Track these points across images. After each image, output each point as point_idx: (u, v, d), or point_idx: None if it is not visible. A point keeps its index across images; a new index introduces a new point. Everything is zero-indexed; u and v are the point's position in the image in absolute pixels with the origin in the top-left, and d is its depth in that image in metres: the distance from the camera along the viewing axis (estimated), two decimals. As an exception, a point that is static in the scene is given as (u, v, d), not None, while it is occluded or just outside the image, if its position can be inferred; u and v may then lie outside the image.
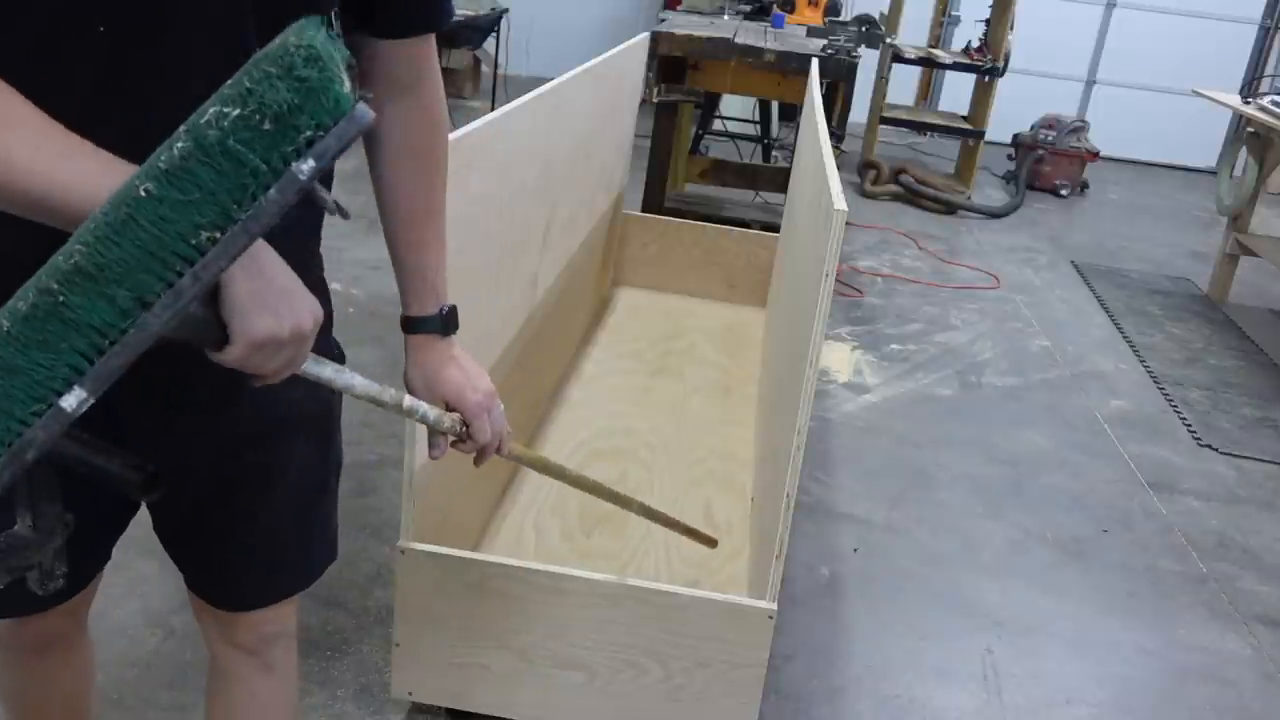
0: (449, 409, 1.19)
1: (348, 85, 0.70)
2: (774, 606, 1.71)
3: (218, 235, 0.69)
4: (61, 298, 0.68)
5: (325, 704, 1.92)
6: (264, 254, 0.82)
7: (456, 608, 1.77)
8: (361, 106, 0.70)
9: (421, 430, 1.71)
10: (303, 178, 0.70)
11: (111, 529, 1.18)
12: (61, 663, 1.32)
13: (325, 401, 1.22)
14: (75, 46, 0.85)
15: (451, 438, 1.19)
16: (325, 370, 1.00)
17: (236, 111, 0.67)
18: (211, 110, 0.68)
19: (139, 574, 2.14)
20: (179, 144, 0.68)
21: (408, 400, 1.10)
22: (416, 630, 1.80)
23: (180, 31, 0.89)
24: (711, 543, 2.02)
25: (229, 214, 0.69)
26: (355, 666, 2.01)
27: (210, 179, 0.68)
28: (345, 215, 0.78)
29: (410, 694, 1.86)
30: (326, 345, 1.21)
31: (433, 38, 1.13)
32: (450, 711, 1.89)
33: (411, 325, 1.22)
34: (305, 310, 0.87)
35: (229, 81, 0.69)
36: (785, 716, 2.05)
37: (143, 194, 0.68)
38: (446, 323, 1.21)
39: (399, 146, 1.14)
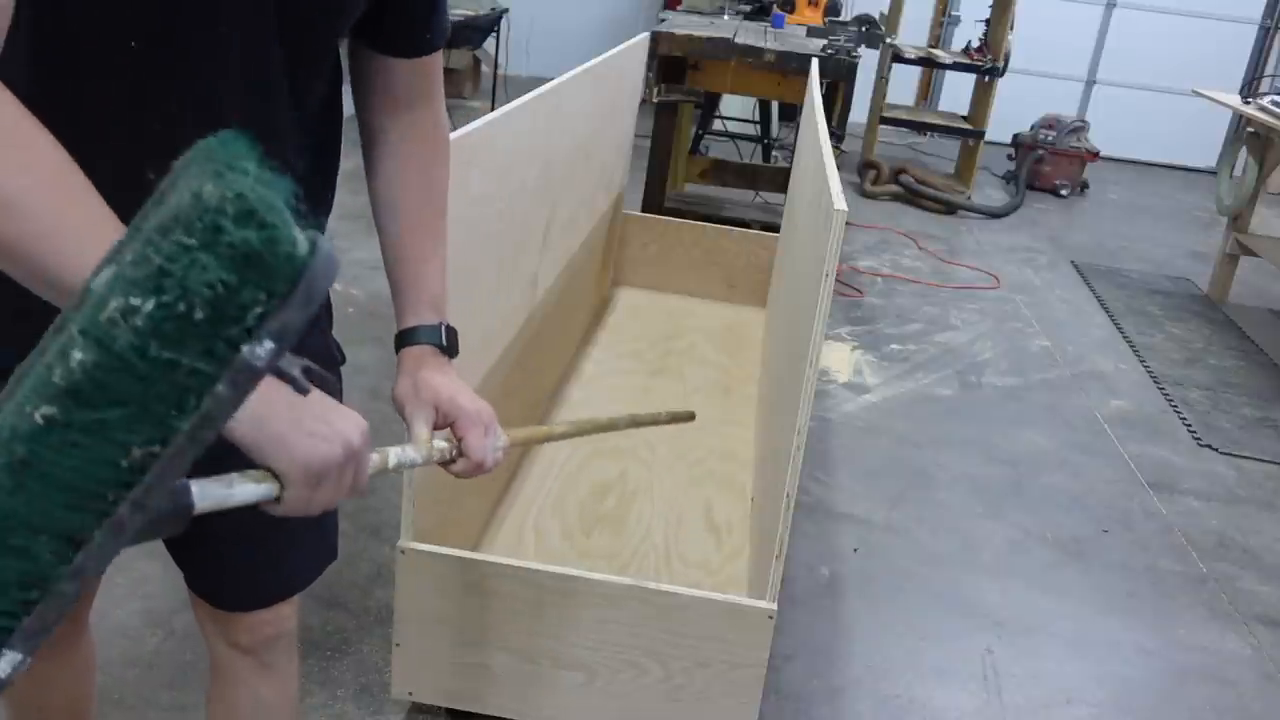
0: (439, 421, 1.06)
1: (298, 234, 0.52)
2: (774, 606, 1.71)
3: (156, 450, 0.53)
4: None
5: (325, 704, 1.92)
6: (268, 387, 0.64)
7: (456, 608, 1.77)
8: (323, 255, 0.53)
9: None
10: (260, 364, 0.53)
11: None
12: (62, 663, 1.32)
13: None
14: (108, 62, 0.86)
15: (438, 459, 1.03)
16: (375, 460, 0.86)
17: (150, 304, 0.50)
18: (112, 304, 0.50)
19: (140, 574, 2.14)
20: (75, 352, 0.51)
21: (392, 458, 0.91)
22: (416, 630, 1.80)
23: (209, 44, 0.90)
24: (689, 417, 2.00)
25: (167, 425, 0.53)
26: (355, 666, 2.01)
27: (132, 390, 0.51)
28: (319, 382, 0.64)
29: (410, 694, 1.86)
30: (325, 345, 1.21)
31: (438, 54, 1.12)
32: (450, 711, 1.90)
33: (408, 337, 1.10)
34: (349, 421, 0.80)
35: (123, 249, 0.53)
36: (785, 716, 2.05)
37: (39, 421, 0.51)
38: (448, 337, 1.11)
39: (401, 161, 1.12)
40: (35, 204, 0.69)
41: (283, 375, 0.58)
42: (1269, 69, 7.91)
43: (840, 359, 3.83)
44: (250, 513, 1.17)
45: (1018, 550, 2.74)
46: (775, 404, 2.25)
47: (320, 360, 1.19)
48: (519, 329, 2.32)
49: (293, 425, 0.75)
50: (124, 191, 0.71)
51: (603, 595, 1.74)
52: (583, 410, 2.88)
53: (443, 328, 1.11)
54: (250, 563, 1.20)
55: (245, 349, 0.52)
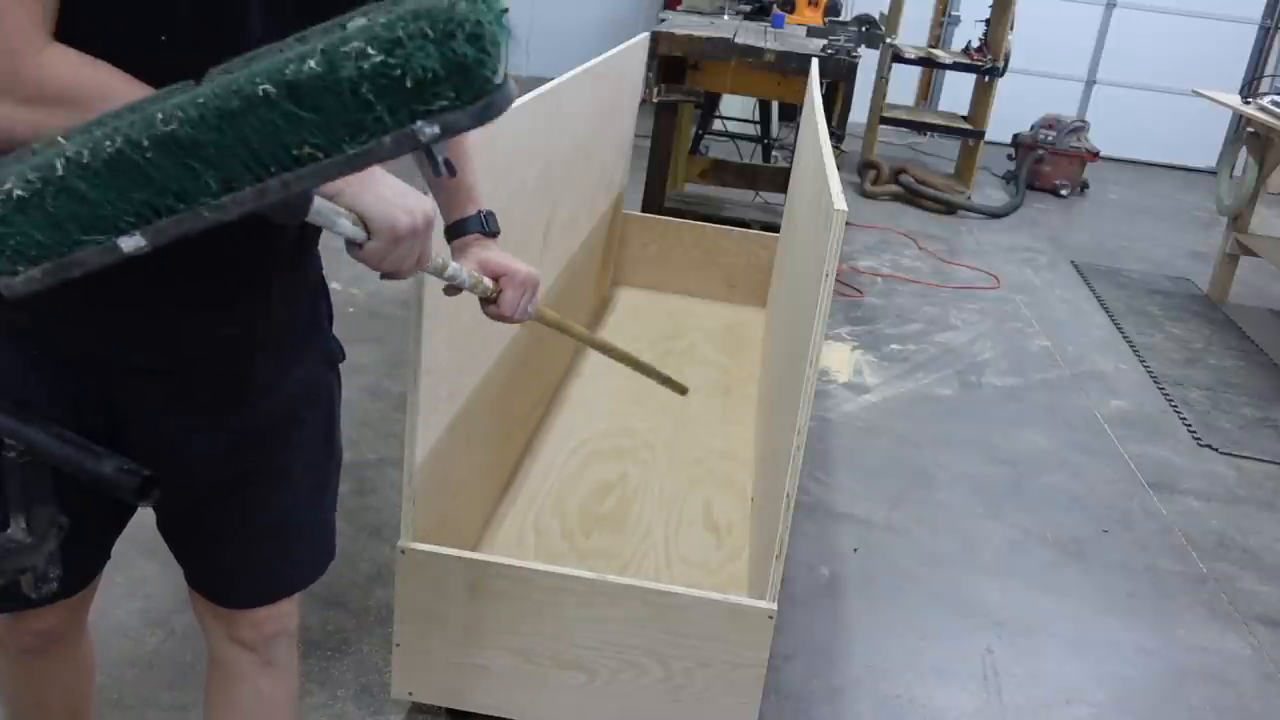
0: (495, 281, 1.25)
1: (502, 69, 0.67)
2: (774, 606, 1.71)
3: (320, 156, 0.67)
4: (150, 155, 0.67)
5: (325, 704, 1.92)
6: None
7: (456, 608, 1.77)
8: (506, 91, 0.68)
9: (422, 431, 1.71)
10: (423, 139, 0.67)
11: (111, 528, 1.19)
12: (61, 662, 1.32)
13: (328, 400, 1.22)
14: (137, 57, 0.87)
15: (480, 297, 1.25)
16: (438, 261, 1.06)
17: (380, 58, 0.64)
18: (354, 43, 0.65)
19: (140, 574, 2.14)
20: (311, 61, 0.65)
21: (450, 268, 1.14)
22: (416, 630, 1.80)
23: (239, 41, 0.91)
24: (683, 390, 2.02)
25: (338, 142, 0.67)
26: (355, 666, 2.01)
27: (332, 107, 0.66)
28: (453, 173, 0.78)
29: (410, 694, 1.86)
30: (327, 343, 1.21)
31: None
32: (450, 711, 1.90)
33: (455, 230, 1.26)
34: (427, 202, 0.96)
35: (384, 8, 0.66)
36: (785, 716, 2.05)
37: (260, 94, 0.65)
38: (487, 222, 1.26)
39: None
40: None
41: (430, 154, 0.72)
42: (1269, 69, 7.91)
43: (840, 359, 3.83)
44: (255, 512, 1.18)
45: (1018, 550, 2.74)
46: (775, 404, 2.25)
47: (318, 356, 1.20)
48: (519, 329, 2.32)
49: (392, 194, 0.91)
50: None
51: (603, 595, 1.74)
52: (583, 410, 2.88)
53: (481, 215, 1.26)
54: (253, 559, 1.21)
55: (420, 123, 0.67)
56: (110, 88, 0.82)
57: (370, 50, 0.64)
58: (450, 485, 1.96)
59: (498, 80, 0.66)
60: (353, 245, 0.92)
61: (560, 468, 2.58)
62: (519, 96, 1.98)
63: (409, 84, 0.64)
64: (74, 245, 0.69)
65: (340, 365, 1.25)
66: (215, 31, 0.90)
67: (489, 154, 1.82)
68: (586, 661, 1.78)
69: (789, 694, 2.10)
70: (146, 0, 0.88)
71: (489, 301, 1.25)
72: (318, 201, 0.84)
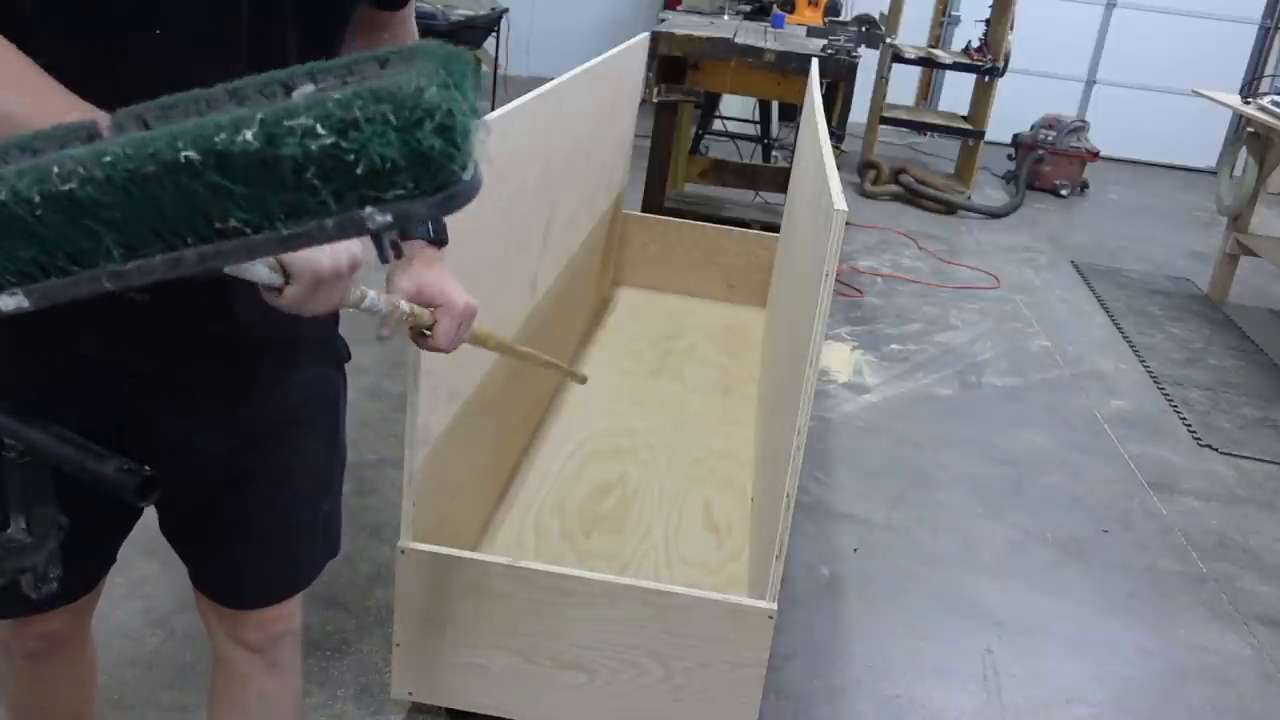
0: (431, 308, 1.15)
1: (471, 165, 0.59)
2: (774, 606, 1.71)
3: (247, 232, 0.59)
4: (38, 212, 0.58)
5: (325, 704, 1.92)
6: None
7: (456, 608, 1.77)
8: (474, 182, 0.60)
9: (421, 433, 1.71)
10: (370, 228, 0.59)
11: (116, 531, 1.18)
12: (65, 666, 1.31)
13: (333, 400, 1.22)
14: (133, 51, 0.87)
15: (409, 328, 1.14)
16: (355, 293, 0.95)
17: (331, 140, 0.55)
18: (301, 119, 0.56)
19: (140, 574, 2.14)
20: (248, 133, 0.56)
21: (368, 299, 1.00)
22: (416, 630, 1.80)
23: (237, 36, 0.92)
24: (582, 379, 1.98)
25: (272, 220, 0.59)
26: (355, 666, 2.01)
27: (267, 183, 0.57)
28: (399, 255, 0.71)
29: (410, 694, 1.86)
30: (334, 343, 1.22)
31: (413, 4, 1.18)
32: (450, 711, 1.89)
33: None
34: (352, 244, 0.87)
35: (334, 78, 0.59)
36: (785, 716, 2.05)
37: (181, 160, 0.56)
38: (436, 229, 1.18)
39: None
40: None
41: (378, 241, 0.64)
42: (1269, 69, 7.91)
43: (840, 359, 3.83)
44: (260, 511, 1.18)
45: (1018, 550, 2.74)
46: (775, 404, 2.25)
47: (323, 357, 1.20)
48: (519, 329, 2.32)
49: None
50: None
51: (603, 595, 1.74)
52: (582, 410, 2.88)
53: (431, 231, 1.17)
54: (258, 559, 1.21)
55: (370, 209, 0.58)
56: (15, 98, 0.78)
57: (320, 130, 0.55)
58: (450, 485, 1.96)
59: (465, 176, 0.59)
60: (270, 290, 0.84)
61: (560, 468, 2.58)
62: (521, 97, 1.98)
63: (361, 171, 0.56)
64: None
65: (346, 364, 1.25)
66: (211, 25, 0.90)
67: (489, 154, 1.82)
68: (586, 661, 1.78)
69: (789, 694, 2.10)
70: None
71: (421, 334, 1.14)
72: None
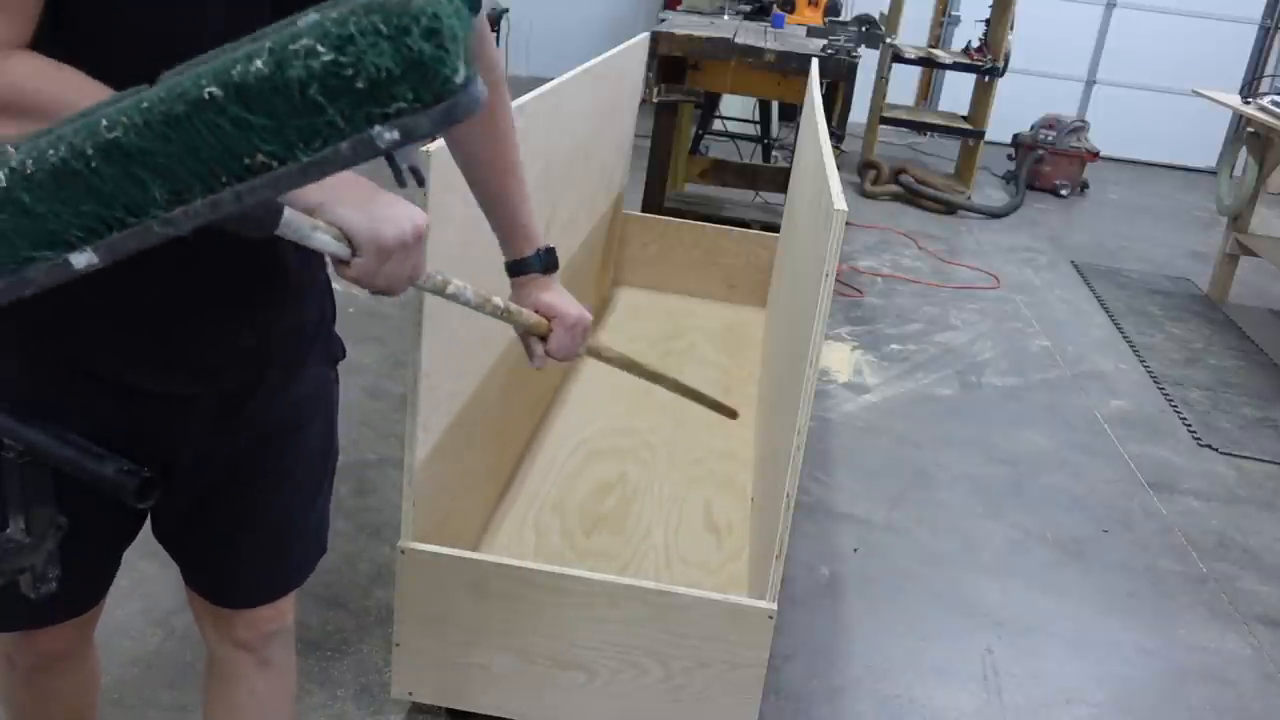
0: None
1: (462, 68, 0.62)
2: (774, 606, 1.71)
3: (274, 165, 0.63)
4: (94, 164, 0.63)
5: (325, 704, 1.92)
6: (352, 176, 0.82)
7: (456, 608, 1.77)
8: (471, 93, 0.63)
9: (422, 431, 1.71)
10: (381, 146, 0.63)
11: (120, 540, 1.18)
12: (68, 678, 1.30)
13: (329, 399, 1.23)
14: (168, 49, 0.87)
15: (523, 335, 1.27)
16: (437, 278, 1.00)
17: (330, 57, 0.60)
18: (303, 40, 0.60)
19: (140, 574, 2.14)
20: (258, 61, 0.61)
21: (452, 285, 1.09)
22: (416, 630, 1.80)
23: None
24: (733, 414, 2.01)
25: (292, 149, 0.63)
26: (355, 666, 2.01)
27: (282, 110, 0.61)
28: (420, 182, 0.75)
29: (410, 694, 1.86)
30: (330, 343, 1.22)
31: (481, 14, 1.18)
32: (450, 711, 1.90)
33: (514, 269, 1.29)
34: (416, 211, 0.91)
35: (334, 5, 0.62)
36: (785, 716, 2.05)
37: (205, 96, 0.61)
38: (545, 262, 1.29)
39: (469, 129, 1.20)
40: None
41: (392, 161, 0.69)
42: (1269, 69, 7.91)
43: (840, 359, 3.83)
44: (256, 512, 1.18)
45: (1018, 550, 2.74)
46: (775, 404, 2.25)
47: (322, 357, 1.20)
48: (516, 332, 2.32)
49: (370, 203, 0.86)
50: None
51: (603, 595, 1.74)
52: (583, 410, 2.88)
53: (539, 254, 1.29)
54: (252, 559, 1.21)
55: (376, 128, 0.62)
56: (73, 94, 0.80)
57: (320, 48, 0.60)
58: (450, 485, 1.96)
59: (459, 79, 0.61)
60: (339, 263, 0.88)
61: (560, 468, 2.58)
62: (521, 97, 1.98)
63: (361, 84, 0.60)
64: (23, 262, 0.66)
65: (340, 364, 1.25)
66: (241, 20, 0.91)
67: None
68: (586, 661, 1.78)
69: (789, 694, 2.10)
70: (183, 31, 0.87)
71: (539, 339, 1.26)
72: (288, 214, 0.80)
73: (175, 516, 1.17)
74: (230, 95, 0.61)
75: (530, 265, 1.29)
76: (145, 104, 0.63)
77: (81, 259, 0.66)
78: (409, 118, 0.62)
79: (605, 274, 3.68)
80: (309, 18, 0.62)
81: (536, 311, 1.25)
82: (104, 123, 0.63)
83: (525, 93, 2.04)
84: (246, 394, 1.10)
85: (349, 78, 0.60)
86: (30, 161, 0.64)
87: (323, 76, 0.60)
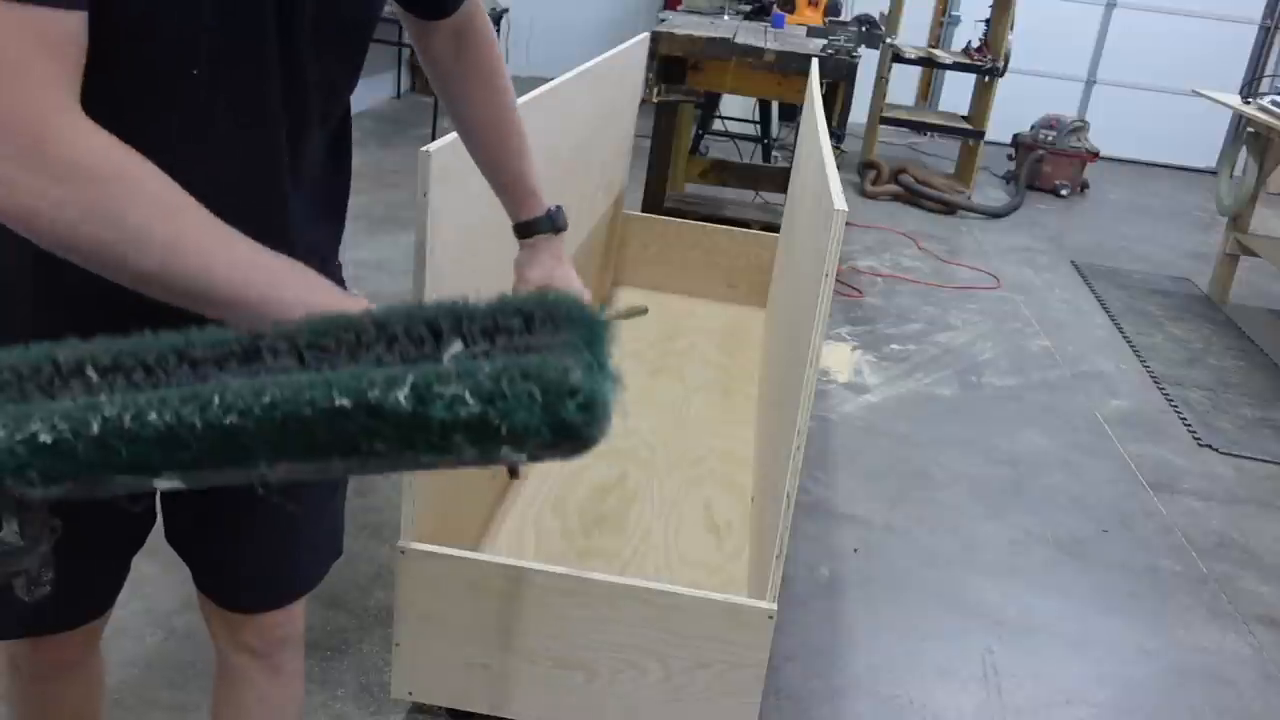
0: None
1: (607, 427, 0.63)
2: (774, 606, 1.71)
3: (390, 454, 0.62)
4: (200, 435, 0.62)
5: (325, 704, 1.92)
6: None
7: (456, 608, 1.77)
8: (600, 437, 0.63)
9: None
10: (504, 461, 0.63)
11: (128, 545, 1.17)
12: (72, 685, 1.30)
13: None
14: (168, 89, 0.87)
15: None
16: None
17: (478, 410, 0.60)
18: (452, 388, 0.60)
19: (140, 574, 2.12)
20: (399, 394, 0.60)
21: None
22: (416, 630, 1.80)
23: (271, 78, 0.92)
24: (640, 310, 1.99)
25: (417, 456, 0.62)
26: (355, 666, 2.01)
27: (417, 437, 0.61)
28: (517, 476, 0.75)
29: (410, 694, 1.86)
30: None
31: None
32: (450, 711, 1.90)
33: (525, 230, 1.30)
34: None
35: (481, 342, 0.63)
36: (785, 716, 2.05)
37: (336, 407, 0.61)
38: (555, 221, 1.31)
39: (468, 93, 1.23)
40: (159, 232, 0.77)
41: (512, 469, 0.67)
42: (1269, 69, 7.91)
43: (840, 359, 3.83)
44: (270, 516, 1.18)
45: (1018, 550, 2.74)
46: (775, 404, 2.25)
47: None
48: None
49: None
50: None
51: (603, 595, 1.74)
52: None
53: (549, 214, 1.30)
54: (263, 562, 1.20)
55: (505, 450, 0.62)
56: (136, 171, 0.77)
57: (469, 398, 0.60)
58: (450, 485, 1.96)
59: (598, 438, 0.63)
60: None
61: (560, 468, 2.58)
62: (521, 97, 1.98)
63: (504, 432, 0.60)
64: (104, 480, 0.65)
65: None
66: (247, 68, 0.90)
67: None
68: (586, 661, 1.78)
69: (789, 694, 2.10)
70: (177, 32, 0.86)
71: None
72: None
73: (187, 521, 1.17)
74: (363, 410, 0.60)
75: (541, 226, 1.29)
76: (267, 399, 0.61)
77: (166, 484, 0.64)
78: (541, 453, 0.62)
79: (605, 274, 3.68)
80: (455, 351, 0.64)
81: (524, 284, 1.29)
82: (217, 403, 0.61)
83: (525, 93, 2.04)
84: None
85: (494, 427, 0.60)
86: (128, 417, 0.62)
87: (467, 424, 0.60)
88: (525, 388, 0.60)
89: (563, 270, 1.32)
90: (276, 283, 0.80)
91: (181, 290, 0.78)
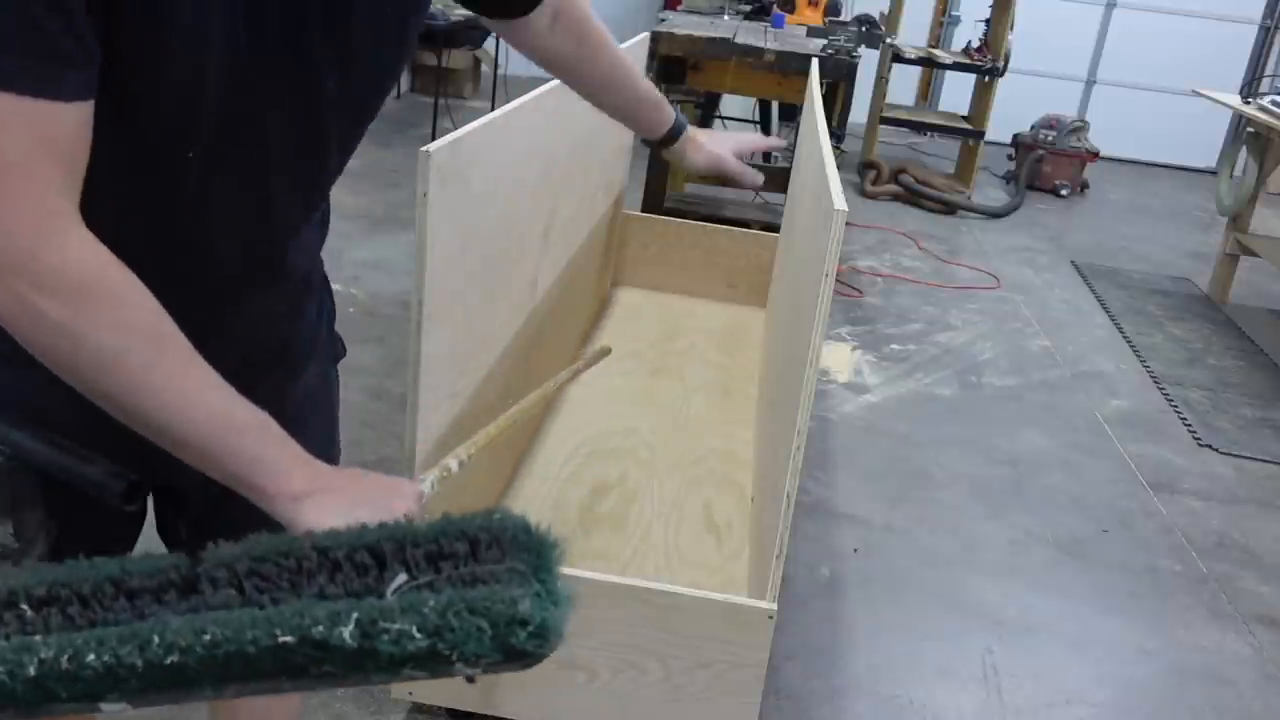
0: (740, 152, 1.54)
1: (558, 644, 0.63)
2: (774, 606, 1.71)
3: (339, 676, 0.62)
4: (140, 671, 0.61)
5: (325, 704, 1.92)
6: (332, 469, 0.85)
7: (457, 608, 1.77)
8: (548, 653, 0.64)
9: (422, 431, 1.71)
10: (455, 674, 0.64)
11: (118, 546, 1.17)
12: None
13: (329, 401, 1.22)
14: (165, 170, 0.85)
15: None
16: (440, 474, 1.05)
17: (426, 644, 0.60)
18: (397, 625, 0.60)
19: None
20: (344, 631, 0.60)
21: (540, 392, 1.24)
22: (416, 630, 1.79)
23: (267, 160, 0.90)
24: (605, 351, 2.03)
25: (365, 675, 0.63)
26: (355, 666, 2.01)
27: (367, 665, 0.61)
28: (472, 681, 0.74)
29: (410, 694, 1.86)
30: (330, 341, 1.22)
31: None
32: (450, 711, 1.90)
33: (668, 138, 1.45)
34: (406, 491, 0.91)
35: (426, 570, 0.63)
36: (785, 716, 2.05)
37: (279, 644, 0.60)
38: (681, 119, 1.46)
39: (568, 52, 1.30)
40: (134, 360, 0.77)
41: (469, 677, 0.67)
42: (1269, 69, 7.91)
43: (840, 359, 3.83)
44: (262, 512, 1.18)
45: (1018, 550, 2.74)
46: (775, 404, 2.25)
47: (324, 355, 1.20)
48: (519, 329, 2.32)
49: (356, 504, 0.84)
50: (182, 257, 0.85)
51: (603, 595, 1.74)
52: (583, 410, 2.88)
53: (679, 115, 1.46)
54: None
55: (458, 666, 0.62)
56: (124, 293, 0.77)
57: (416, 634, 0.60)
58: (450, 485, 1.96)
59: (545, 655, 0.63)
60: None
61: (560, 467, 2.58)
62: (521, 97, 1.98)
63: (456, 660, 0.61)
64: (47, 709, 0.63)
65: (340, 363, 1.25)
66: (238, 146, 0.88)
67: (489, 154, 1.82)
68: (586, 661, 1.78)
69: (789, 694, 2.10)
70: (176, 116, 0.83)
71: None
72: None
73: (184, 520, 1.17)
74: (309, 644, 0.60)
75: (682, 126, 1.44)
76: (207, 637, 0.60)
77: (112, 708, 0.63)
78: (490, 668, 0.63)
79: (605, 274, 3.68)
80: (399, 583, 0.63)
81: (739, 150, 1.53)
82: (156, 642, 0.60)
83: (525, 93, 2.04)
84: (248, 394, 1.10)
85: (445, 656, 0.60)
86: (65, 659, 0.60)
87: (415, 655, 0.60)
88: (474, 622, 0.60)
89: (715, 147, 1.50)
90: (240, 440, 0.81)
91: (142, 422, 0.79)
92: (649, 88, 1.39)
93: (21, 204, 0.73)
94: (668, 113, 1.43)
